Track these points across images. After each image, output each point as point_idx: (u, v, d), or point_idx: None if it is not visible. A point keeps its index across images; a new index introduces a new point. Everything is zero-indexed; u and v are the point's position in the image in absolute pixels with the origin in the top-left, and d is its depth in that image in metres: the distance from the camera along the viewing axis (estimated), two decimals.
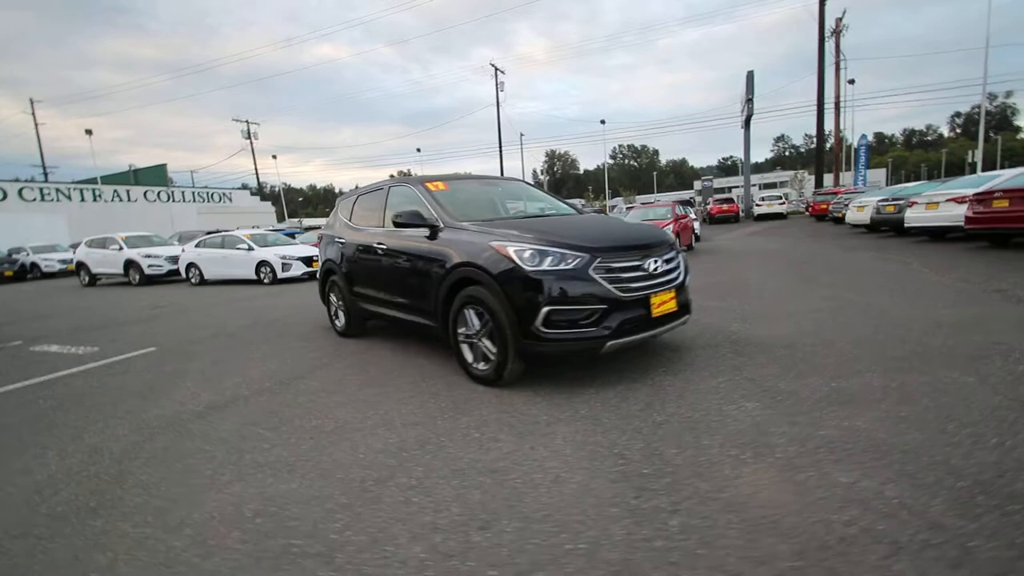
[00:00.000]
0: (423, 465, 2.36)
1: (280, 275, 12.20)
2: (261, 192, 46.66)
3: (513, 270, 3.09)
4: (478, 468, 2.28)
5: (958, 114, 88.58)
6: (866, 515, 1.72)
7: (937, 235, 10.94)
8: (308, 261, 12.60)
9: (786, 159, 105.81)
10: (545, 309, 2.97)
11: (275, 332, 5.94)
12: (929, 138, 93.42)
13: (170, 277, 14.37)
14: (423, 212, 3.90)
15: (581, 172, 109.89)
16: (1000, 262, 7.06)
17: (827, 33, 31.11)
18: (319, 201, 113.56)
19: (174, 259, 14.11)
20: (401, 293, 4.21)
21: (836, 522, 1.70)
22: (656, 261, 3.31)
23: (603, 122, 42.72)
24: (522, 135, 49.79)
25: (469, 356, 3.52)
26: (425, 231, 3.86)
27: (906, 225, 11.32)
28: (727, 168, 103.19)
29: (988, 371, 2.92)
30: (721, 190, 53.12)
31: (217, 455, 2.65)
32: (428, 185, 4.21)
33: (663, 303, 3.27)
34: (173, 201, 33.28)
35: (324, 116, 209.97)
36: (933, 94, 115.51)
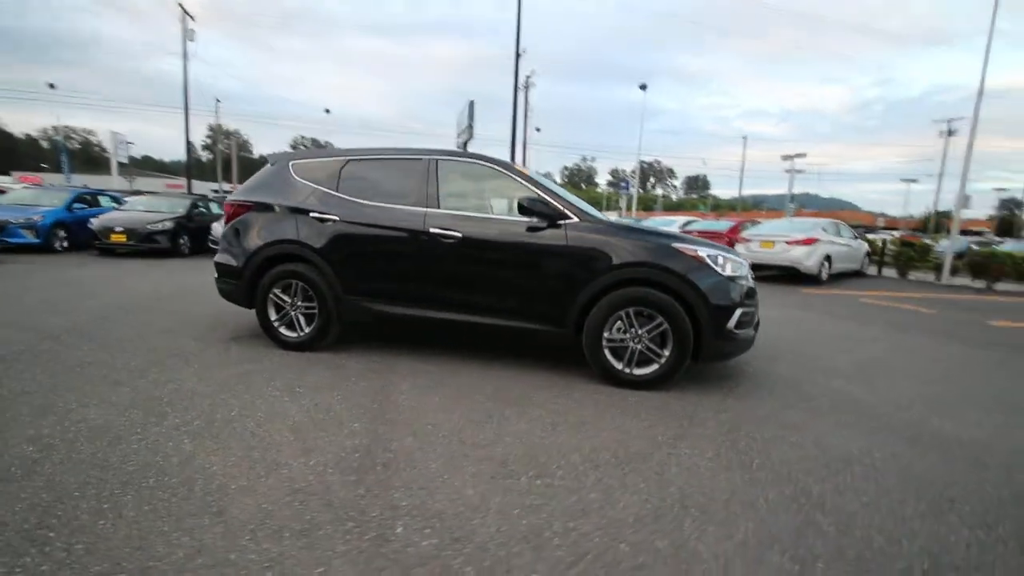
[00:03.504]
0: (776, 477, 2.27)
1: None
2: None
3: (710, 273, 3.17)
4: (818, 469, 2.35)
5: (566, 167, 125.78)
6: None
7: None
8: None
9: None
10: (739, 311, 3.20)
11: (161, 350, 3.67)
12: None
13: None
14: (546, 200, 3.38)
15: (256, 157, 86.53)
16: None
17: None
18: None
19: None
20: (492, 293, 3.47)
21: None
22: None
23: (328, 111, 40.11)
24: (218, 101, 41.47)
25: (617, 362, 3.30)
26: (533, 221, 3.37)
27: None
28: None
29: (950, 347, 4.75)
30: None
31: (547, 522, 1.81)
32: (520, 169, 3.63)
33: None
34: None
35: None
36: (552, 150, 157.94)
